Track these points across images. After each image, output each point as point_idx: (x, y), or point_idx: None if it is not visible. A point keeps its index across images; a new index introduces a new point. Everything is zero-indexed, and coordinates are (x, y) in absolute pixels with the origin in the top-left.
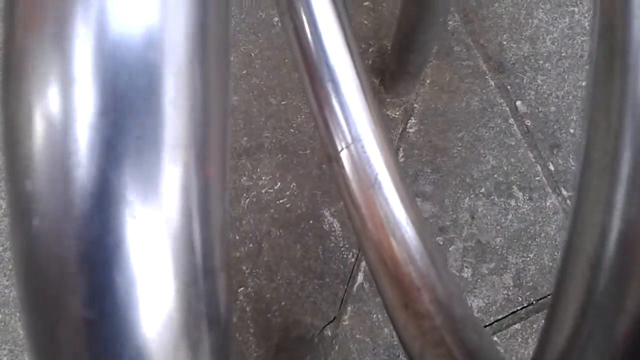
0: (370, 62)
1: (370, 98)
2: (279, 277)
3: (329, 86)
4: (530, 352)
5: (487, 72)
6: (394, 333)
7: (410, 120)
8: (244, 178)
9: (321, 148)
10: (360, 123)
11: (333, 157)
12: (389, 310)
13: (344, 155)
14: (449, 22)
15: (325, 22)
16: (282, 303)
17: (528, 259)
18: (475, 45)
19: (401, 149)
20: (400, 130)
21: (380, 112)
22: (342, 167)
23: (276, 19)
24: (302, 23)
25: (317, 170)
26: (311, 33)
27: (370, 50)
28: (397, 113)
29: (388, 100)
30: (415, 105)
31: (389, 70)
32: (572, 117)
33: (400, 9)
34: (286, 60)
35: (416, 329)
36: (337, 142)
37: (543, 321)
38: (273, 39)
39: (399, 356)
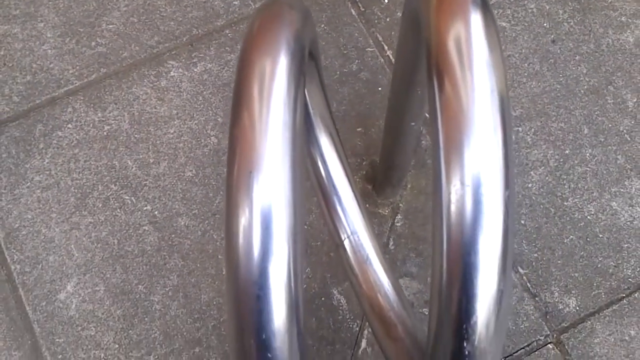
0: (364, 172)
1: (362, 207)
2: None
3: (335, 200)
4: None
5: None
6: None
7: (397, 216)
8: None
9: (330, 239)
10: (356, 222)
11: (339, 245)
12: (378, 338)
13: (346, 243)
14: (422, 142)
15: (333, 164)
16: None
17: None
18: None
19: (391, 238)
20: (390, 225)
21: (368, 216)
22: (345, 250)
23: None
24: (317, 164)
25: (327, 257)
26: (324, 171)
27: (363, 163)
28: (387, 211)
29: (379, 201)
30: (400, 204)
31: (378, 179)
32: (522, 211)
33: (382, 139)
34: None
35: (395, 347)
36: (341, 235)
37: None
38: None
39: None
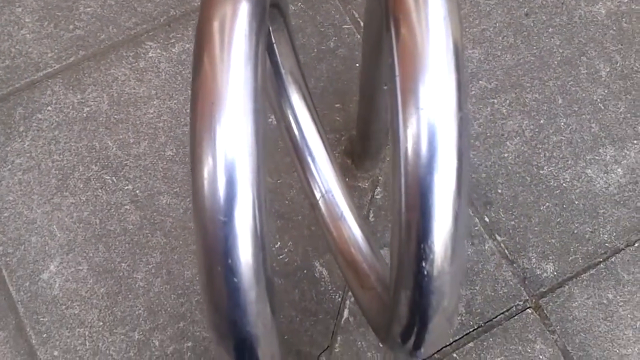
0: (343, 147)
1: (335, 167)
2: (282, 316)
3: (309, 159)
4: None
5: None
6: (376, 356)
7: (376, 189)
8: None
9: (306, 199)
10: (330, 181)
11: (314, 204)
12: (353, 290)
13: (320, 202)
14: None
15: (305, 123)
16: (286, 337)
17: (475, 291)
18: None
19: (371, 211)
20: (369, 197)
21: (341, 174)
22: (320, 209)
23: (270, 119)
24: (290, 123)
25: (308, 231)
26: (297, 130)
27: (342, 138)
28: (366, 184)
29: (359, 175)
30: (379, 177)
31: (357, 153)
32: (498, 181)
33: (357, 110)
34: (279, 149)
35: (368, 296)
36: (316, 194)
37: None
38: (269, 133)
39: None
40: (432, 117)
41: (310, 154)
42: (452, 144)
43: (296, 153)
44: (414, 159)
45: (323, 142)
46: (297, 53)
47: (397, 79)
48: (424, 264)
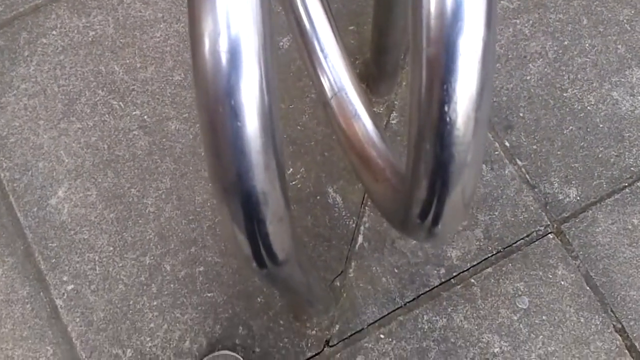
0: (357, 70)
1: (348, 63)
2: None
3: (322, 57)
4: (503, 290)
5: None
6: (391, 280)
7: (392, 114)
8: None
9: (319, 126)
10: (343, 79)
11: (327, 103)
12: (366, 185)
13: (333, 101)
14: None
15: (316, 15)
16: None
17: (494, 216)
18: None
19: (387, 136)
20: (385, 122)
21: (354, 71)
22: (332, 108)
23: (281, 43)
24: (301, 16)
25: (321, 157)
26: (308, 23)
27: (357, 62)
28: (382, 109)
29: (374, 100)
30: (395, 102)
31: (372, 75)
32: (520, 104)
33: (372, 21)
34: (291, 74)
35: (382, 188)
36: (329, 92)
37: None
38: (280, 58)
39: (395, 299)
40: None
41: (322, 50)
42: None
43: (307, 49)
44: None
45: (335, 37)
46: None
47: None
48: (446, 109)
